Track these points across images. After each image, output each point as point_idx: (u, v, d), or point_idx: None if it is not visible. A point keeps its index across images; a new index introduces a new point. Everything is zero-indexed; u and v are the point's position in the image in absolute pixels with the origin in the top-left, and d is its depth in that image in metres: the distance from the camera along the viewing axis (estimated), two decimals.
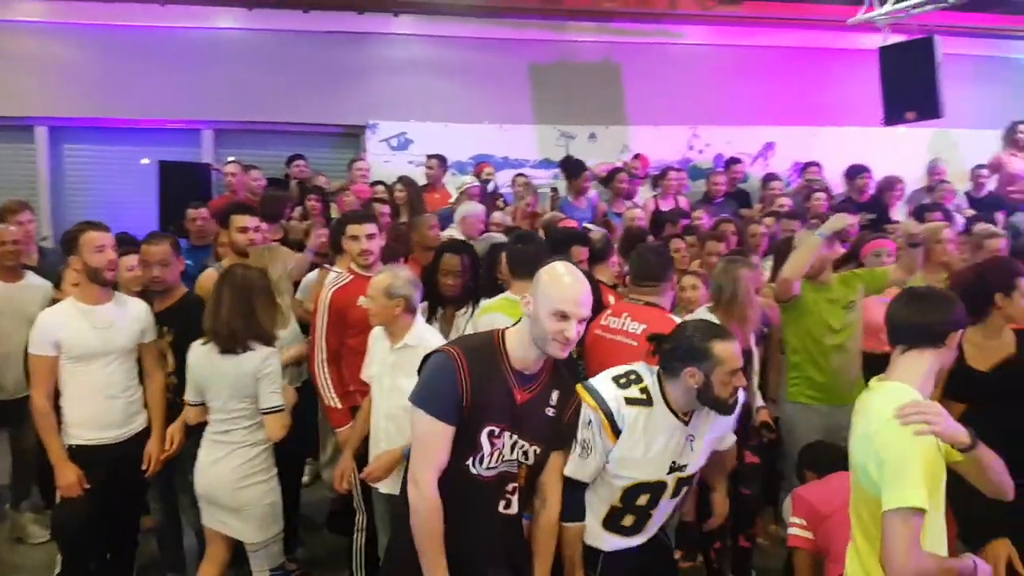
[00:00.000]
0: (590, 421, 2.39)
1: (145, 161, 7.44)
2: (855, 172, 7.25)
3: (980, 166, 7.76)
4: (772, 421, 3.80)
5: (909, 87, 6.33)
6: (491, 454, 2.25)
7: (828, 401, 3.92)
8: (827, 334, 3.90)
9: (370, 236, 3.59)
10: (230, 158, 6.70)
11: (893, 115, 6.48)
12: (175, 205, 6.58)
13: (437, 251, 3.96)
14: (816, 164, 7.63)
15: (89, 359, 3.28)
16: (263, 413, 3.12)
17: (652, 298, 3.26)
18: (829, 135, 8.12)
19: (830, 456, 3.25)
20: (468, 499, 2.24)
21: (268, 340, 3.16)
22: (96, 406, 3.30)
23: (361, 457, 3.29)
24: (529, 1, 7.45)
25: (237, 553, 3.30)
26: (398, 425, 3.01)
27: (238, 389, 3.09)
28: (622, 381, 2.45)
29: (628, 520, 2.52)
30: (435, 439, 2.19)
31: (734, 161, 7.74)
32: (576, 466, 2.41)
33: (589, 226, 5.54)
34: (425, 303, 3.56)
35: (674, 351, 2.43)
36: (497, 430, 2.24)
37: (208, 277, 4.21)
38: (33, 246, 4.92)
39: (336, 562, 4.03)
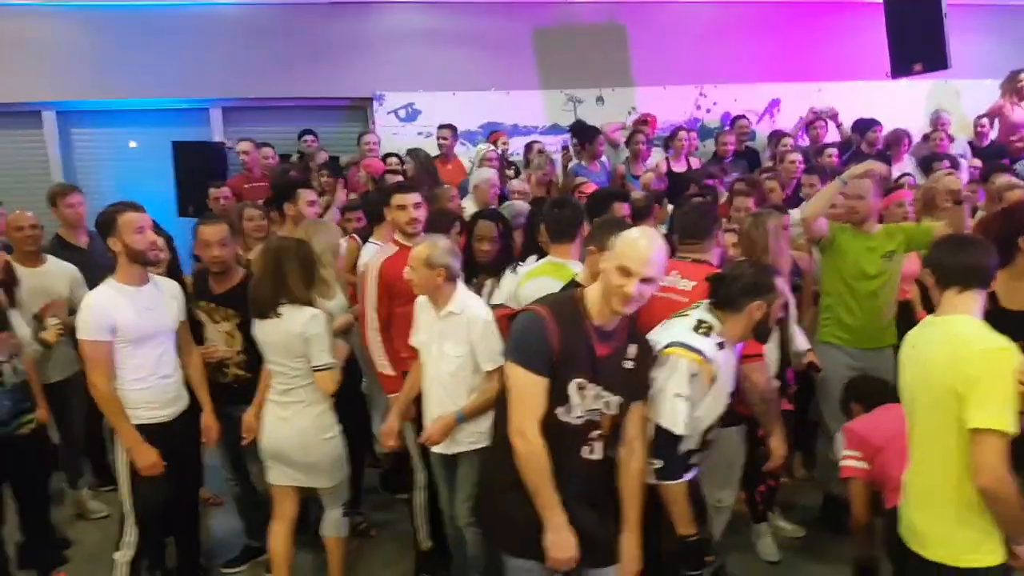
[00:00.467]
0: (695, 374, 2.53)
1: (133, 144, 7.47)
2: (865, 125, 7.30)
3: (982, 116, 7.85)
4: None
5: (915, 39, 6.35)
6: (578, 404, 2.39)
7: (856, 344, 4.07)
8: (861, 279, 4.03)
9: (416, 205, 3.65)
10: (242, 137, 6.67)
11: (900, 67, 6.51)
12: (191, 185, 6.62)
13: (472, 218, 4.03)
14: (823, 119, 7.66)
15: (143, 341, 3.28)
16: (314, 371, 3.26)
17: (699, 255, 3.33)
18: (834, 90, 8.17)
19: (876, 389, 3.43)
20: (555, 444, 2.38)
21: (303, 303, 3.27)
22: (153, 386, 3.32)
23: (415, 421, 3.42)
24: None
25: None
26: (447, 390, 3.13)
27: (290, 350, 3.24)
28: (701, 330, 2.61)
29: (696, 460, 2.71)
30: (532, 391, 2.33)
31: (739, 118, 7.80)
32: (673, 417, 2.53)
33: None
34: None
35: (741, 288, 2.63)
36: (584, 382, 2.37)
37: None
38: (83, 229, 4.90)
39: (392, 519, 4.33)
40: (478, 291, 3.76)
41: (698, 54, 8.01)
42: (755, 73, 8.17)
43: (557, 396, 2.37)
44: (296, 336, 3.22)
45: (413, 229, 3.63)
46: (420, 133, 7.57)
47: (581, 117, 7.68)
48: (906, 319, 4.11)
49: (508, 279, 3.71)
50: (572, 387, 2.37)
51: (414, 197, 3.66)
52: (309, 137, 7.05)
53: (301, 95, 7.51)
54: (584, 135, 7.01)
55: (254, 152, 6.55)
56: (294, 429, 3.30)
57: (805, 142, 7.68)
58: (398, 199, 3.67)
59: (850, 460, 3.15)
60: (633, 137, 6.95)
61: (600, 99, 7.96)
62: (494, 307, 3.45)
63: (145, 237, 3.29)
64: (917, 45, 6.33)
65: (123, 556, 3.38)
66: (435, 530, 3.67)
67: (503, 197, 5.66)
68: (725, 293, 2.65)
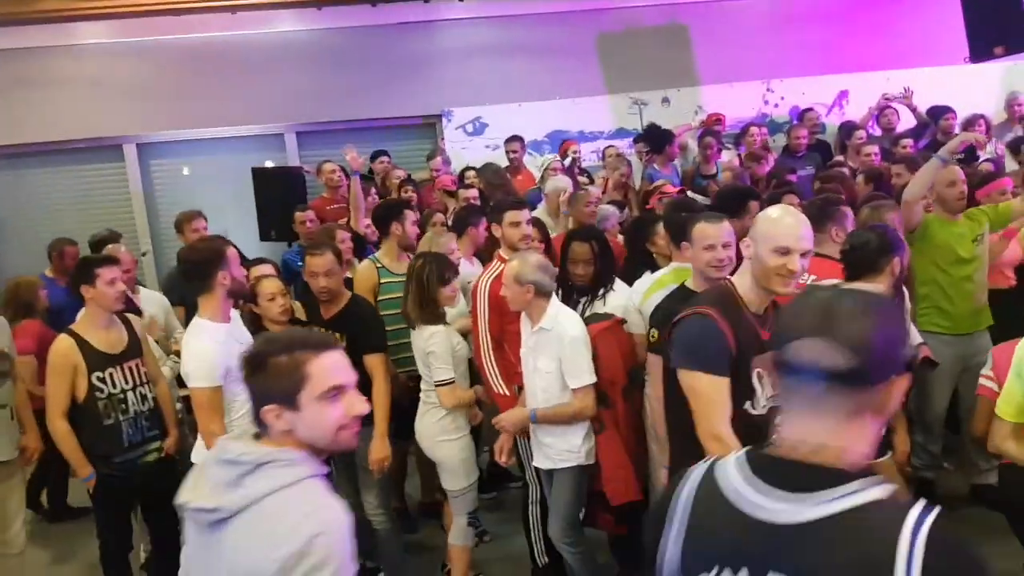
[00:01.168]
0: None
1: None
2: (939, 112, 7.15)
3: None
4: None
5: (994, 21, 6.17)
6: (761, 393, 2.39)
7: (956, 330, 4.09)
8: (956, 265, 4.06)
9: (528, 221, 3.69)
10: (324, 160, 6.78)
11: (979, 51, 6.32)
12: (272, 209, 6.77)
13: (565, 239, 3.85)
14: (892, 107, 7.48)
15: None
16: (436, 385, 3.47)
17: (817, 248, 3.33)
18: (901, 78, 7.97)
19: None
20: (747, 440, 2.32)
21: (436, 320, 3.52)
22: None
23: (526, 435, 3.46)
24: None
25: None
26: (539, 404, 3.24)
27: (421, 360, 3.56)
28: None
29: None
30: (719, 394, 2.31)
31: (808, 111, 7.69)
32: None
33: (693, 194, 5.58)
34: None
35: (876, 248, 3.03)
36: (761, 370, 2.36)
37: (364, 269, 4.47)
38: None
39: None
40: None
41: (763, 49, 7.90)
42: (822, 65, 8.02)
43: (743, 391, 2.36)
44: (420, 350, 3.53)
45: (527, 245, 3.65)
46: (487, 146, 7.61)
47: (647, 119, 7.67)
48: (998, 302, 4.20)
49: (617, 296, 3.62)
50: (754, 377, 2.36)
51: (526, 213, 3.70)
52: (384, 158, 7.14)
53: (372, 116, 7.62)
54: (658, 139, 6.98)
55: (340, 174, 6.66)
56: (422, 424, 3.62)
57: (876, 131, 7.54)
58: (512, 216, 3.70)
59: (986, 380, 3.23)
60: (703, 139, 6.89)
61: (666, 100, 7.91)
62: (593, 319, 3.44)
63: (241, 271, 3.35)
64: (997, 28, 6.14)
65: None
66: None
67: None
68: (861, 258, 2.91)
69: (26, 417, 3.86)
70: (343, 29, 7.48)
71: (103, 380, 3.54)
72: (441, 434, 3.53)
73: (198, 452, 3.28)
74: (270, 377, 1.62)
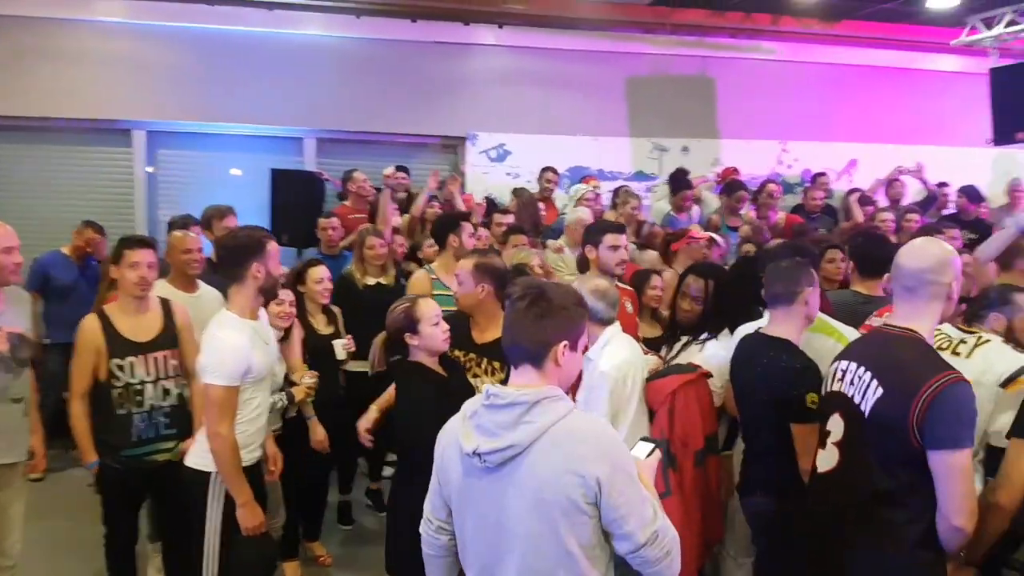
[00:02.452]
0: None
1: (235, 171, 7.38)
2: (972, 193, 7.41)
3: None
4: None
5: (1019, 108, 6.50)
6: None
7: None
8: None
9: (625, 246, 3.62)
10: (350, 170, 6.59)
11: (1003, 135, 6.66)
12: (288, 213, 6.52)
13: (684, 272, 3.70)
14: (900, 179, 7.71)
15: (263, 379, 3.10)
16: None
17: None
18: (906, 153, 8.27)
19: None
20: None
21: None
22: (262, 426, 3.17)
23: None
24: (634, 14, 7.49)
25: None
26: None
27: None
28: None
29: None
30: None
31: (820, 175, 7.87)
32: None
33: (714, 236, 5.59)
34: None
35: (991, 302, 3.06)
36: None
37: (420, 279, 4.38)
38: None
39: None
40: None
41: (783, 110, 8.10)
42: (834, 132, 8.27)
43: None
44: None
45: (622, 271, 3.58)
46: (508, 173, 7.57)
47: (666, 165, 7.75)
48: None
49: (718, 346, 3.33)
50: None
51: (623, 237, 3.63)
52: (402, 174, 6.99)
53: (397, 131, 7.49)
54: (677, 182, 7.04)
55: (371, 185, 6.49)
56: None
57: (884, 201, 7.77)
58: (612, 239, 3.65)
59: None
60: (735, 191, 6.96)
61: (686, 149, 8.01)
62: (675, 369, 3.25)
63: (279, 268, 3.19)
64: (1021, 115, 6.47)
65: None
66: None
67: None
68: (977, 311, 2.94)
69: (34, 418, 3.46)
70: (379, 41, 7.33)
71: (121, 368, 3.33)
72: None
73: (197, 455, 3.03)
74: (570, 319, 1.93)
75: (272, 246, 3.06)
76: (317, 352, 4.15)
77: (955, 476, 2.08)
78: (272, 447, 3.49)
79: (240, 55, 7.14)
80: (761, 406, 2.81)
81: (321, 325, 4.34)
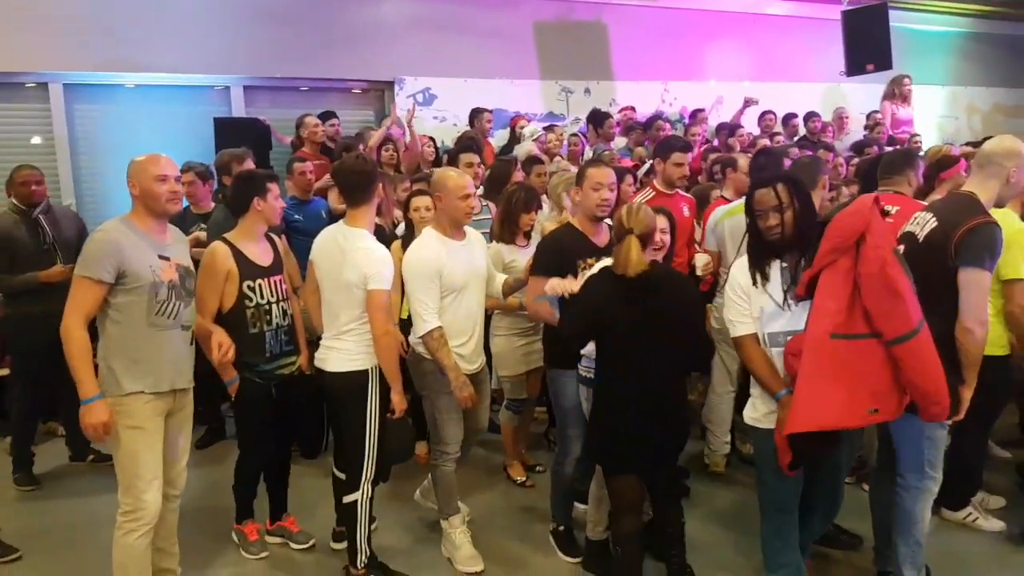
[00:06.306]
0: None
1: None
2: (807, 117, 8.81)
3: (875, 112, 9.65)
4: None
5: (866, 46, 7.88)
6: None
7: None
8: None
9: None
10: (306, 113, 6.69)
11: (854, 67, 8.02)
12: None
13: (750, 187, 2.91)
14: (772, 112, 9.00)
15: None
16: None
17: (896, 187, 3.97)
18: (754, 89, 9.54)
19: None
20: None
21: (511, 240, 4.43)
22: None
23: None
24: None
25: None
26: None
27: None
28: None
29: None
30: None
31: (699, 111, 8.95)
32: None
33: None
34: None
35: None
36: None
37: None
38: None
39: None
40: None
41: (663, 53, 9.06)
42: (705, 72, 9.40)
43: None
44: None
45: (683, 184, 4.32)
46: (436, 117, 7.94)
47: (572, 106, 8.51)
48: None
49: None
50: None
51: (689, 156, 4.38)
52: (334, 120, 7.14)
53: (323, 76, 7.59)
54: (597, 120, 7.84)
55: (318, 129, 6.61)
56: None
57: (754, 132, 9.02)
58: (678, 157, 4.45)
59: None
60: (653, 123, 7.89)
61: (587, 90, 8.77)
62: None
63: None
64: (868, 49, 7.84)
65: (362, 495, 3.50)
66: None
67: None
68: None
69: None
70: None
71: (252, 289, 3.62)
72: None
73: (339, 361, 3.45)
74: None
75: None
76: None
77: (975, 288, 2.95)
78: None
79: (157, 4, 6.89)
80: None
81: None
